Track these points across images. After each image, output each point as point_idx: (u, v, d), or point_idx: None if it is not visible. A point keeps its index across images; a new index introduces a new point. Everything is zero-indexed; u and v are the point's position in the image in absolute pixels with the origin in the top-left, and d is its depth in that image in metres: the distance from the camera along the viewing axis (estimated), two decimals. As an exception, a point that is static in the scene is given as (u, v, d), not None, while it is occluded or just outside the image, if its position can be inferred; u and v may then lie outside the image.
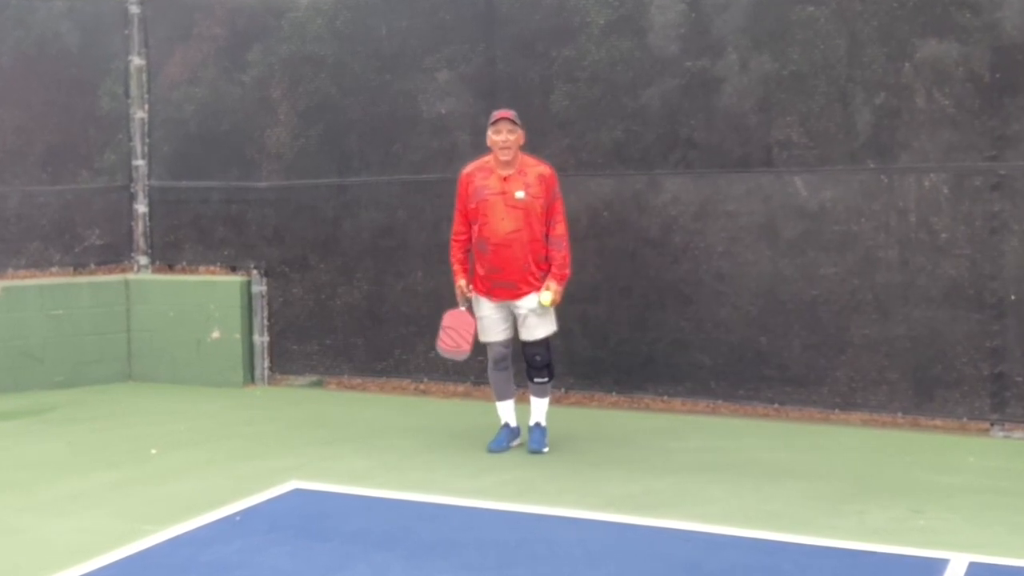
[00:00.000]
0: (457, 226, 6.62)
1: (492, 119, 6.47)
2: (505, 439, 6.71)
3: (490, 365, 6.73)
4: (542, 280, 6.47)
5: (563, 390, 7.74)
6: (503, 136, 6.40)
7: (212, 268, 9.02)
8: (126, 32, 9.09)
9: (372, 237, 8.43)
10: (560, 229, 6.49)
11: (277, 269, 8.79)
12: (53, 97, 8.99)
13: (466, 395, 8.09)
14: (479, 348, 6.65)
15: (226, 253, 8.95)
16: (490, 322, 6.55)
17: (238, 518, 5.44)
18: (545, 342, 6.57)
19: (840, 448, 6.66)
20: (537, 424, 6.67)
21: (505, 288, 6.46)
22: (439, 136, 8.17)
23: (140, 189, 9.16)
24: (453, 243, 6.65)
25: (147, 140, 9.12)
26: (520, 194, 6.40)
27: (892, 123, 6.97)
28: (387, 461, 6.50)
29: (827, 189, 7.14)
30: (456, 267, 6.61)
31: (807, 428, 7.11)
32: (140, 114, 9.12)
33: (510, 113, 6.47)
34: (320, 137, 8.58)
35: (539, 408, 6.68)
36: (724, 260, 7.41)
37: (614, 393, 7.79)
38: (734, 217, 7.37)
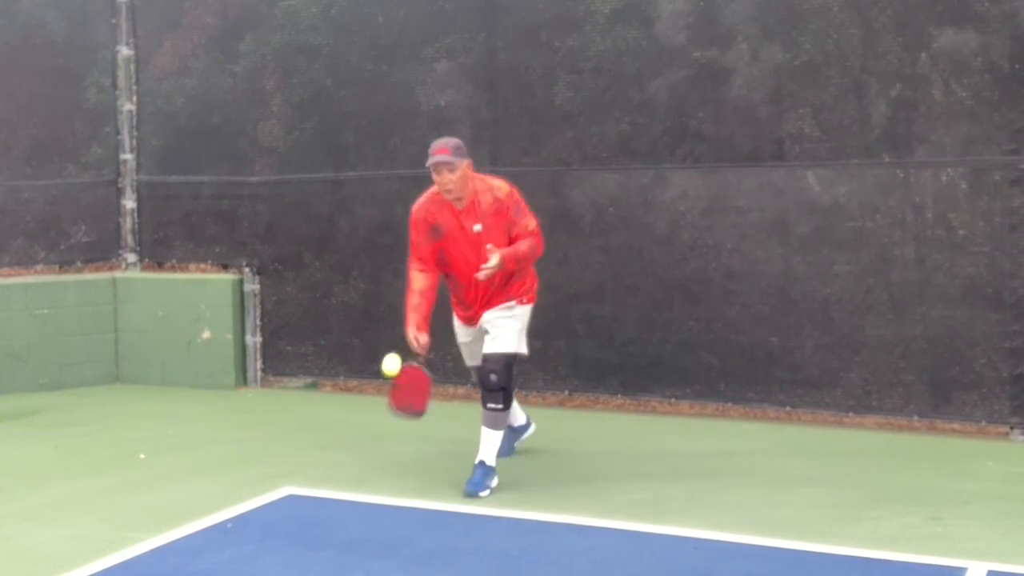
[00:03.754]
0: (414, 262, 5.94)
1: (427, 161, 5.79)
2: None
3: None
4: (514, 294, 6.00)
5: (567, 392, 7.70)
6: (444, 177, 5.74)
7: (203, 266, 8.93)
8: (113, 21, 8.99)
9: (369, 234, 8.34)
10: (526, 245, 5.81)
11: (270, 267, 8.70)
12: (38, 89, 8.90)
13: (466, 398, 8.01)
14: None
15: (217, 250, 8.85)
16: (470, 349, 6.22)
17: (230, 525, 5.39)
18: (505, 360, 5.85)
19: (854, 453, 6.60)
20: (481, 462, 5.85)
21: (479, 316, 6.07)
22: (438, 129, 8.01)
23: (128, 184, 9.06)
24: (409, 283, 5.92)
25: (135, 133, 9.03)
26: (477, 227, 5.86)
27: (908, 115, 6.91)
28: (384, 466, 6.43)
29: (841, 184, 7.07)
30: (408, 313, 5.84)
31: (820, 432, 7.05)
32: (128, 106, 9.01)
33: (446, 151, 5.74)
34: (315, 130, 8.50)
35: (488, 442, 5.87)
36: (734, 258, 7.33)
37: (620, 395, 7.73)
38: (744, 213, 7.29)
